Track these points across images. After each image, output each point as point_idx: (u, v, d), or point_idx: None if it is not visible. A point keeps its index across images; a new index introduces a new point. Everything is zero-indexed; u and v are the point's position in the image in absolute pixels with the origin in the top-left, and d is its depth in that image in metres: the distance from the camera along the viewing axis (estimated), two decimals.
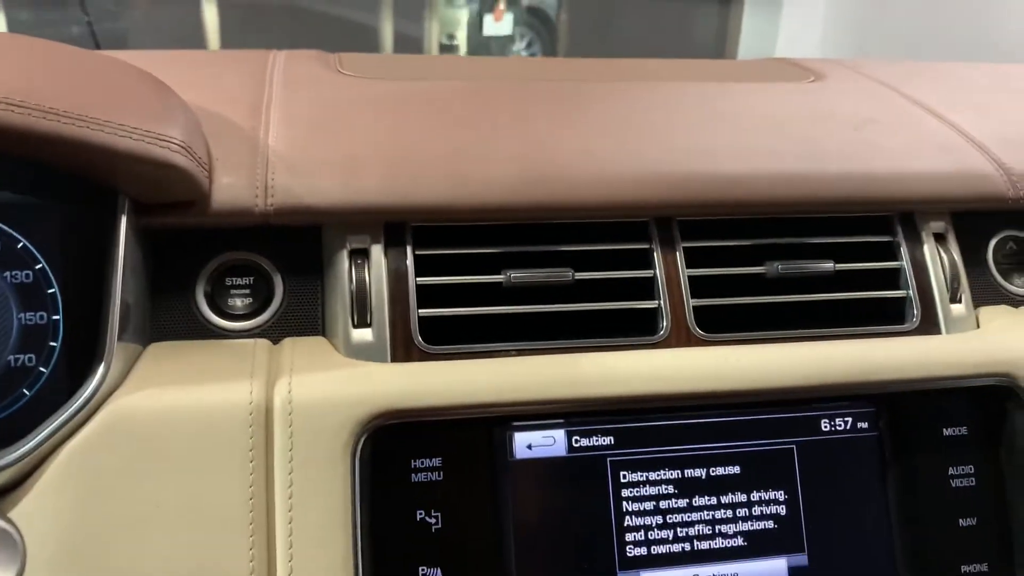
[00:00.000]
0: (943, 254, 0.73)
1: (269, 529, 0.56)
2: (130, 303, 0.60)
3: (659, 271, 0.68)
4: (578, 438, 0.62)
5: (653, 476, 0.63)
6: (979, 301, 0.75)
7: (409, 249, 0.66)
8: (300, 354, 0.62)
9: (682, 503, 0.63)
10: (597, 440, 0.63)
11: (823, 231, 0.72)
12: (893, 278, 0.73)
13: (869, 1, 3.03)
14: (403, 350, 0.64)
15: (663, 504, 0.63)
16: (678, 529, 0.63)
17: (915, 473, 0.67)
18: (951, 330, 0.72)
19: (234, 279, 0.66)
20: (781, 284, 0.70)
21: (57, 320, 0.62)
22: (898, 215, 0.74)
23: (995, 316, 0.73)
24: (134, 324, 0.61)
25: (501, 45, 4.60)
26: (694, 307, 0.68)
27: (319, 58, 0.86)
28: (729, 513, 0.64)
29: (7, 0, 3.63)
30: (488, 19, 4.50)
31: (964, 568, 0.66)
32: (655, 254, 0.69)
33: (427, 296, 0.65)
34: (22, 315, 0.61)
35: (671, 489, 0.63)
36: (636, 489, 0.63)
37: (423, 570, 0.59)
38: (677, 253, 0.69)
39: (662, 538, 0.63)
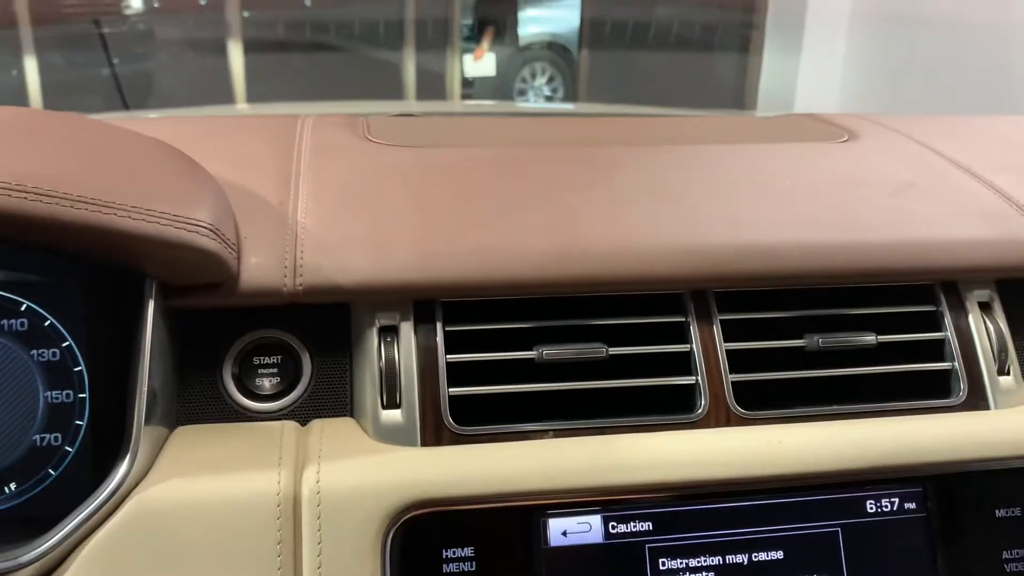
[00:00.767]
0: (989, 324, 0.71)
1: None
2: (156, 388, 0.59)
3: (696, 345, 0.67)
4: (615, 524, 0.60)
5: (693, 563, 0.61)
6: None
7: (439, 326, 0.65)
8: (328, 439, 0.60)
9: None
10: (635, 526, 0.61)
11: (864, 300, 0.71)
12: (938, 349, 0.71)
13: (889, 43, 3.02)
14: (433, 432, 0.62)
15: None
16: None
17: (966, 556, 0.64)
18: (1000, 403, 0.69)
19: (262, 358, 0.65)
20: (821, 357, 0.68)
21: (83, 399, 0.61)
22: (940, 284, 0.72)
23: None
24: (161, 408, 0.60)
25: (490, 84, 4.57)
26: (733, 383, 0.66)
27: (347, 124, 0.86)
28: None
29: (39, 43, 3.71)
30: (467, 59, 4.45)
31: None
32: (691, 328, 0.67)
33: (458, 373, 0.64)
34: (48, 393, 0.61)
35: None
36: None
37: None
38: (714, 327, 0.67)
39: None
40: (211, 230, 0.57)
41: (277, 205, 0.68)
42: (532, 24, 4.96)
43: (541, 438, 0.63)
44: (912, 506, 0.64)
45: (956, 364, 0.70)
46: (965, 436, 0.65)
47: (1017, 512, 0.65)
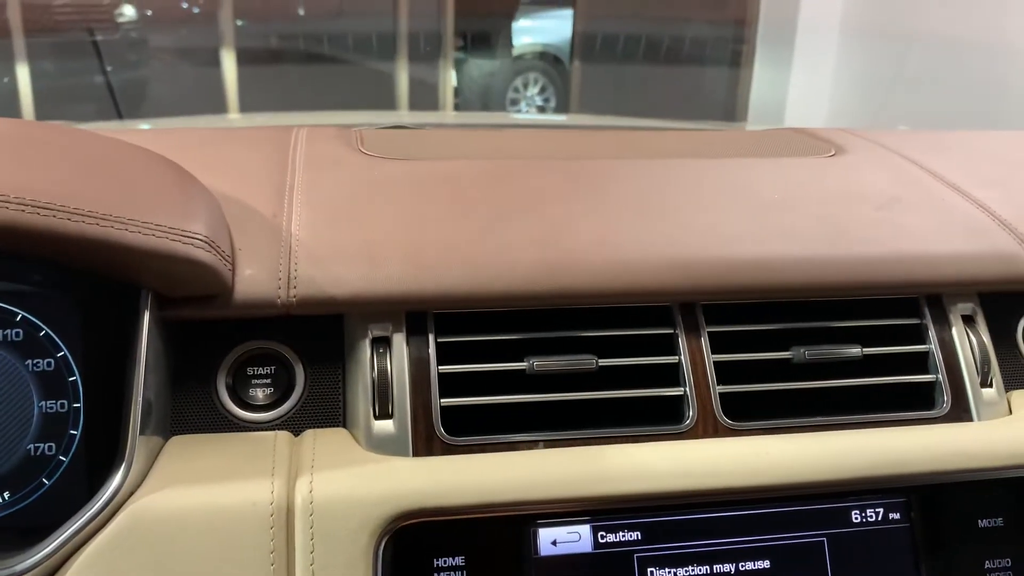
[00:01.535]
0: (972, 337, 0.72)
1: None
2: (151, 399, 0.59)
3: (684, 357, 0.68)
4: (604, 533, 0.61)
5: (681, 572, 0.61)
6: (1009, 384, 0.73)
7: (431, 337, 0.65)
8: (321, 449, 0.61)
9: None
10: (624, 535, 0.61)
11: (849, 313, 0.72)
12: (922, 361, 0.72)
13: (878, 58, 3.05)
14: (425, 442, 0.63)
15: None
16: None
17: (950, 565, 0.65)
18: (983, 415, 0.70)
19: (255, 368, 0.65)
20: (808, 368, 0.69)
21: (78, 408, 0.61)
22: (925, 297, 0.73)
23: None
24: (155, 418, 0.60)
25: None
26: (720, 394, 0.67)
27: (341, 136, 0.87)
28: None
29: (32, 51, 3.71)
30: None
31: None
32: (680, 340, 0.68)
33: (449, 384, 0.65)
34: (43, 403, 0.61)
35: None
36: None
37: None
38: (702, 339, 0.68)
39: None
40: (206, 242, 0.58)
41: (271, 217, 0.68)
42: (525, 34, 4.98)
43: (532, 448, 0.64)
44: (896, 516, 0.65)
45: (940, 376, 0.71)
46: (949, 448, 0.65)
47: (999, 522, 0.66)
